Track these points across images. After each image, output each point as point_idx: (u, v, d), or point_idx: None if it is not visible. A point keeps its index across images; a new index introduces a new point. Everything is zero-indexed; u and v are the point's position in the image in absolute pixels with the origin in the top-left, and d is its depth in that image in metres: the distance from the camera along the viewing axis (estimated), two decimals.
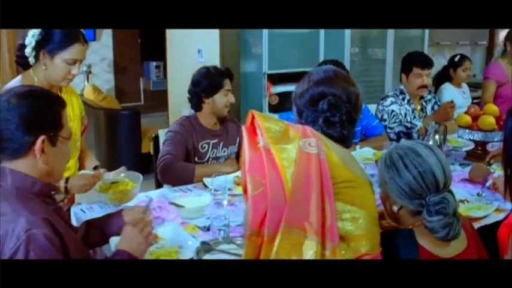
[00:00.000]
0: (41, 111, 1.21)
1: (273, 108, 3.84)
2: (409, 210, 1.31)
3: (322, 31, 3.95)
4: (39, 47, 1.81)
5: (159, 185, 2.51)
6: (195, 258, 1.45)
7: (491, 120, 2.49)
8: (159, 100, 5.67)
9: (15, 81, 1.87)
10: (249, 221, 1.02)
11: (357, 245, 1.09)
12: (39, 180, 1.23)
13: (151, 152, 2.85)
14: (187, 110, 3.91)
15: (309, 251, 1.02)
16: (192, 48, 3.68)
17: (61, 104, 1.27)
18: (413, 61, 2.98)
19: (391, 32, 4.42)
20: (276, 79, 3.86)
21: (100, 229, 1.54)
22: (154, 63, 7.50)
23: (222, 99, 2.46)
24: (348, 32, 4.12)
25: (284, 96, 3.97)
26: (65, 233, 1.21)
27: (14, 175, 1.21)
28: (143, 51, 6.72)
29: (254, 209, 1.02)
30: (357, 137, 2.92)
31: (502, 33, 5.70)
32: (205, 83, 2.45)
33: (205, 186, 2.29)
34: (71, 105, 1.97)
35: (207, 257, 1.47)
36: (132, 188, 1.96)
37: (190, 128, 2.46)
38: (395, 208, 1.32)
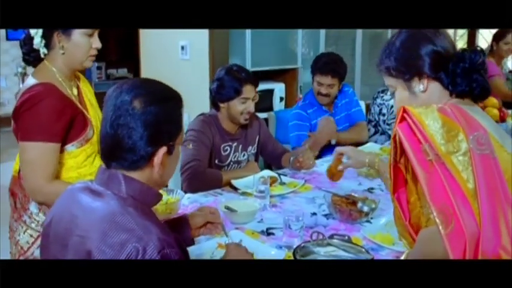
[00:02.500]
0: (167, 118, 1.07)
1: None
2: None
3: (299, 30, 3.94)
4: (49, 30, 1.56)
5: None
6: None
7: (496, 112, 2.63)
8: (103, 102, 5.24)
9: (31, 81, 1.59)
10: None
11: None
12: (153, 189, 1.11)
13: None
14: None
15: None
16: (172, 45, 3.46)
17: (181, 102, 1.14)
18: None
19: (359, 29, 4.52)
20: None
21: None
22: (95, 64, 7.08)
23: (238, 107, 2.26)
24: (322, 31, 4.15)
25: (261, 95, 3.90)
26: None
27: (128, 183, 1.06)
28: None
29: (453, 250, 0.91)
30: (341, 123, 2.91)
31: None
32: (220, 87, 2.26)
33: (234, 189, 2.16)
34: (91, 94, 1.77)
35: None
36: (176, 201, 1.81)
37: (213, 127, 2.28)
38: None
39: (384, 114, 3.03)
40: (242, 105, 2.26)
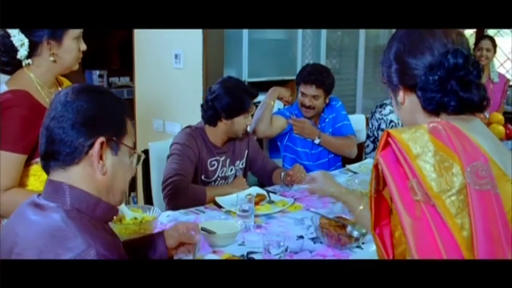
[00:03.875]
0: (103, 109, 1.01)
1: None
2: None
3: (300, 40, 3.82)
4: (38, 40, 1.52)
5: None
6: None
7: (501, 129, 2.47)
8: None
9: (2, 89, 1.54)
10: None
11: None
12: (102, 201, 1.00)
13: None
14: (160, 121, 3.58)
15: None
16: (166, 53, 3.35)
17: (126, 108, 1.07)
18: None
19: (362, 42, 4.40)
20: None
21: (136, 253, 1.29)
22: (97, 72, 7.00)
23: (242, 121, 2.17)
24: (323, 42, 4.03)
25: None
26: None
27: (73, 193, 0.97)
28: (84, 59, 6.16)
29: None
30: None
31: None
32: (230, 103, 2.11)
33: (219, 206, 2.02)
34: None
35: None
36: (152, 219, 1.69)
37: (199, 140, 2.15)
38: None
39: (382, 130, 2.88)
40: (245, 120, 2.18)
